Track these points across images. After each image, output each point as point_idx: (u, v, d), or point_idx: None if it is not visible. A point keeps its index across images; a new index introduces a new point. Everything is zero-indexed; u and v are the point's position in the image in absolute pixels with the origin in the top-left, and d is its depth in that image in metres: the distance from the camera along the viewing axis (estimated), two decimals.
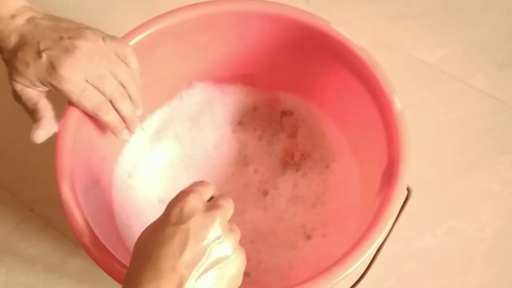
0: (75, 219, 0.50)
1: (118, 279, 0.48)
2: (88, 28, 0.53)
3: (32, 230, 0.73)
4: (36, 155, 0.76)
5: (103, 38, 0.53)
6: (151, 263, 0.39)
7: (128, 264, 0.45)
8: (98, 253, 0.49)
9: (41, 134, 0.52)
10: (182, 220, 0.40)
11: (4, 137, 0.78)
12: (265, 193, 0.67)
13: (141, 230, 0.43)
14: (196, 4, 0.61)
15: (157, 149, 0.68)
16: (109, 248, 0.49)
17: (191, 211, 0.41)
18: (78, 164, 0.54)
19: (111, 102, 0.54)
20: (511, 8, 0.87)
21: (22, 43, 0.51)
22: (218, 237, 0.41)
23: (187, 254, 0.39)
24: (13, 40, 0.51)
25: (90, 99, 0.53)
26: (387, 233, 0.50)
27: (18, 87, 0.52)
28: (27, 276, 0.70)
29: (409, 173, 0.52)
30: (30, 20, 0.51)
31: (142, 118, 0.68)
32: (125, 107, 0.56)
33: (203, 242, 0.40)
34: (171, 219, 0.41)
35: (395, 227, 0.51)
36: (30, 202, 0.74)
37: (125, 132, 0.57)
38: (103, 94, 0.53)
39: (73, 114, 0.54)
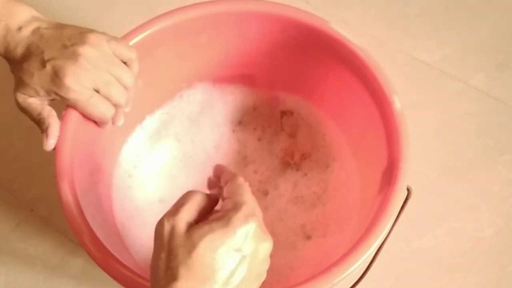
0: (75, 219, 0.50)
1: (118, 279, 0.48)
2: (91, 31, 0.53)
3: (32, 230, 0.73)
4: (36, 155, 0.76)
5: (108, 41, 0.53)
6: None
7: (128, 265, 0.45)
8: (98, 253, 0.49)
9: (51, 143, 0.53)
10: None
11: (4, 137, 0.78)
12: (265, 193, 0.67)
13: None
14: (196, 4, 0.60)
15: (157, 149, 0.68)
16: (109, 248, 0.49)
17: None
18: (78, 165, 0.54)
19: (115, 106, 0.54)
20: (511, 8, 0.87)
21: (27, 54, 0.51)
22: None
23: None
24: (19, 51, 0.51)
25: (96, 106, 0.53)
26: (387, 233, 0.50)
27: (21, 98, 0.52)
28: (27, 276, 0.70)
29: (409, 173, 0.52)
30: (35, 30, 0.51)
31: (141, 118, 0.69)
32: (128, 109, 0.57)
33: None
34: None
35: (395, 227, 0.51)
36: (30, 202, 0.74)
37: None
38: (109, 99, 0.53)
39: (73, 115, 0.54)
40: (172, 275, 0.37)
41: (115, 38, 0.54)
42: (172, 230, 0.39)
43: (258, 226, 0.40)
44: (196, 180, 0.68)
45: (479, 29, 0.85)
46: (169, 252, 0.38)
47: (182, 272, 0.37)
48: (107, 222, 0.61)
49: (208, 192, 0.45)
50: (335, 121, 0.69)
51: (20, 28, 0.51)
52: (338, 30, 0.59)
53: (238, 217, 0.39)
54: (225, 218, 0.39)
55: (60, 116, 0.54)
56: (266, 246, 0.41)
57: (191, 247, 0.38)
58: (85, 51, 0.51)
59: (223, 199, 0.43)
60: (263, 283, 0.43)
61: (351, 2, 0.87)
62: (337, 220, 0.64)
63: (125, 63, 0.55)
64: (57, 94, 0.51)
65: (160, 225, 0.39)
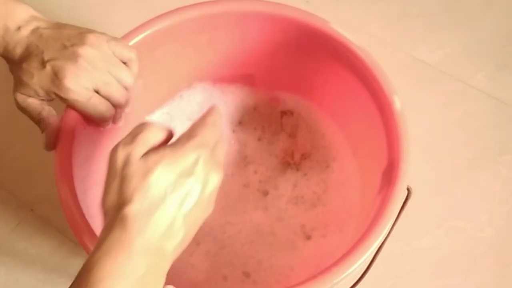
0: (75, 219, 0.50)
1: None
2: (91, 32, 0.53)
3: (32, 230, 0.73)
4: (36, 155, 0.76)
5: (107, 41, 0.53)
6: None
7: None
8: None
9: (51, 143, 0.53)
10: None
11: (4, 137, 0.78)
12: (265, 193, 0.67)
13: (150, 123, 0.42)
14: (196, 4, 0.60)
15: None
16: None
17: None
18: (78, 165, 0.54)
19: (115, 106, 0.54)
20: (511, 8, 0.87)
21: (27, 54, 0.51)
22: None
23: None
24: (18, 51, 0.51)
25: (95, 107, 0.53)
26: (387, 233, 0.50)
27: (21, 98, 0.52)
28: (27, 276, 0.70)
29: (409, 173, 0.52)
30: (35, 30, 0.51)
31: (141, 118, 0.69)
32: (128, 109, 0.57)
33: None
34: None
35: (395, 227, 0.51)
36: (30, 202, 0.74)
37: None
38: (109, 100, 0.53)
39: (73, 115, 0.54)
40: (125, 199, 0.37)
41: (114, 38, 0.54)
42: (127, 157, 0.38)
43: (209, 155, 0.40)
44: None
45: (479, 29, 0.85)
46: (122, 179, 0.38)
47: (136, 196, 0.37)
48: None
49: None
50: (335, 121, 0.69)
51: (19, 28, 0.51)
52: (338, 30, 0.59)
53: (190, 144, 0.40)
54: (178, 143, 0.40)
55: (60, 116, 0.54)
56: (216, 177, 0.41)
57: (146, 171, 0.38)
58: (84, 51, 0.51)
59: None
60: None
61: (351, 2, 0.88)
62: (337, 220, 0.64)
63: (125, 63, 0.55)
64: (56, 94, 0.51)
65: (114, 152, 0.39)
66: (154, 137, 0.41)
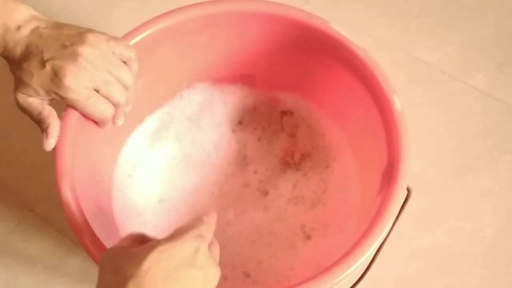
0: (75, 219, 0.50)
1: None
2: (91, 31, 0.53)
3: (32, 230, 0.73)
4: (36, 155, 0.76)
5: (107, 41, 0.53)
6: None
7: None
8: (98, 253, 0.49)
9: (51, 143, 0.53)
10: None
11: (4, 137, 0.78)
12: (265, 193, 0.67)
13: (141, 230, 0.43)
14: (196, 4, 0.60)
15: (157, 149, 0.68)
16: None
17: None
18: (78, 164, 0.54)
19: (115, 105, 0.54)
20: (511, 8, 0.87)
21: (27, 54, 0.51)
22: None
23: None
24: (18, 51, 0.51)
25: (95, 106, 0.53)
26: (387, 233, 0.50)
27: (21, 98, 0.52)
28: (27, 276, 0.70)
29: (409, 173, 0.52)
30: (34, 30, 0.51)
31: (141, 118, 0.69)
32: (128, 109, 0.57)
33: None
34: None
35: (395, 227, 0.51)
36: (30, 202, 0.74)
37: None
38: (108, 99, 0.53)
39: (73, 115, 0.54)
40: None
41: (114, 38, 0.54)
42: (118, 250, 0.38)
43: (207, 249, 0.40)
44: (196, 180, 0.68)
45: (479, 29, 0.85)
46: (115, 270, 0.36)
47: (131, 284, 0.35)
48: (107, 222, 0.61)
49: None
50: (335, 121, 0.69)
51: (19, 28, 0.51)
52: (338, 30, 0.59)
53: (189, 233, 0.39)
54: (174, 234, 0.39)
55: (60, 116, 0.54)
56: (216, 274, 0.40)
57: (141, 259, 0.36)
58: (84, 51, 0.51)
59: None
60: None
61: (351, 2, 0.87)
62: (337, 220, 0.64)
63: (124, 62, 0.55)
64: (56, 94, 0.51)
65: (104, 253, 0.39)
66: (138, 238, 0.42)
